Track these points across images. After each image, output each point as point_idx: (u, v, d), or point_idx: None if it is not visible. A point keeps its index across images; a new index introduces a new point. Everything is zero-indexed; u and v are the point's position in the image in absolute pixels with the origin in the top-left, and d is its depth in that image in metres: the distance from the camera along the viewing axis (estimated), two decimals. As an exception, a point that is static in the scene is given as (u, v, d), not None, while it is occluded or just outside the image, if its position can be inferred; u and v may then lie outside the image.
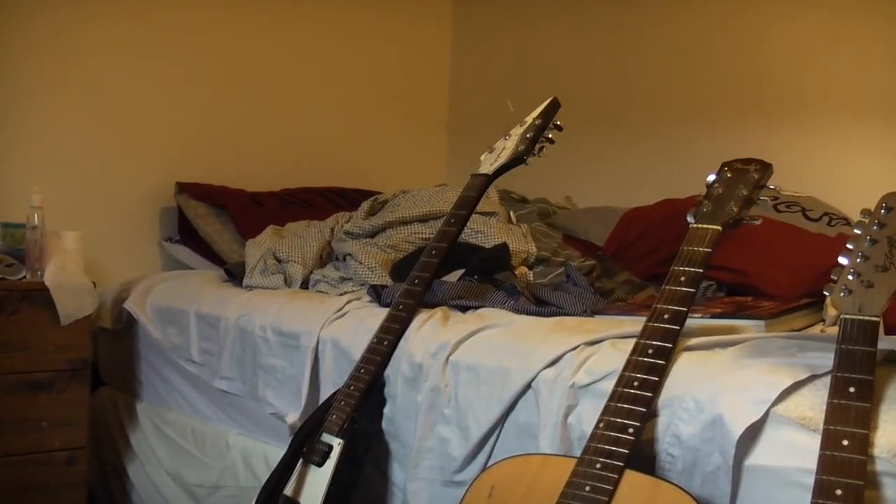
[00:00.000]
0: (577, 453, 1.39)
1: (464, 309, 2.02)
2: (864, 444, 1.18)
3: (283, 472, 1.83)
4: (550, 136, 2.04)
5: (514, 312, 1.95)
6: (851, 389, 1.23)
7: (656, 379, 1.40)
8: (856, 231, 1.40)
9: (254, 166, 3.23)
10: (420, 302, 1.91)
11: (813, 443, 1.24)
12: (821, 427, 1.22)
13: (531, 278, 2.35)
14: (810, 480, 1.18)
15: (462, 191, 2.04)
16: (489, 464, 1.68)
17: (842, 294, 1.34)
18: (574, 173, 3.31)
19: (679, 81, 3.14)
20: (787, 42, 2.88)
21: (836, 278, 1.36)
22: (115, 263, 2.91)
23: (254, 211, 2.92)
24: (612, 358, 1.58)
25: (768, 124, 2.88)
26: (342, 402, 1.80)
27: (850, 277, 1.34)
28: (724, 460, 1.36)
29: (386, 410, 1.89)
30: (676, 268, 1.52)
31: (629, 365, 1.43)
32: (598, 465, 1.33)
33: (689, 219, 1.60)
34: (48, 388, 2.36)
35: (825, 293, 1.36)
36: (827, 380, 1.29)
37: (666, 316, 1.46)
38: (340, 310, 2.15)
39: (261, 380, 2.24)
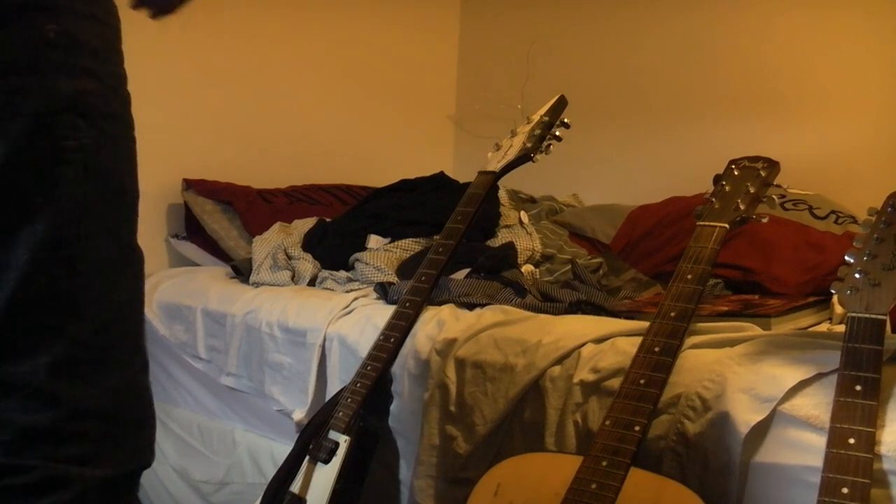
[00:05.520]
0: (584, 451, 1.39)
1: (471, 306, 2.02)
2: (870, 442, 1.18)
3: (289, 468, 1.83)
4: (558, 133, 2.04)
5: (521, 310, 1.95)
6: (858, 387, 1.23)
7: (663, 376, 1.40)
8: (862, 229, 1.40)
9: (261, 163, 3.23)
10: (427, 299, 1.91)
11: (819, 441, 1.24)
12: (827, 425, 1.22)
13: (538, 276, 2.36)
14: (816, 478, 1.18)
15: (469, 188, 2.04)
16: (495, 461, 1.68)
17: (848, 292, 1.34)
18: (581, 171, 3.31)
19: (686, 79, 3.14)
20: (796, 39, 2.88)
21: (842, 276, 1.36)
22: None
23: (261, 208, 2.92)
24: (618, 355, 1.58)
25: (776, 122, 2.88)
26: (349, 399, 1.80)
27: (856, 276, 1.34)
28: (730, 458, 1.36)
29: (392, 407, 1.89)
30: (683, 265, 1.53)
31: (636, 362, 1.43)
32: (605, 463, 1.33)
33: (696, 216, 1.60)
34: (55, 384, 2.36)
35: (832, 291, 1.36)
36: (833, 378, 1.29)
37: (673, 313, 1.46)
38: (347, 307, 2.15)
39: (267, 376, 2.24)
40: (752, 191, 1.58)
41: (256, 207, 2.92)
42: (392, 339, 1.83)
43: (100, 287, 1.01)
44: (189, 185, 2.97)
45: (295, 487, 1.79)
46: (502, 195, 2.78)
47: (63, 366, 0.98)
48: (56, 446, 0.98)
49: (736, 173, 1.63)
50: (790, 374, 1.37)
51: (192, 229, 2.99)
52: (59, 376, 0.98)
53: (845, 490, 1.14)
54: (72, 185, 0.97)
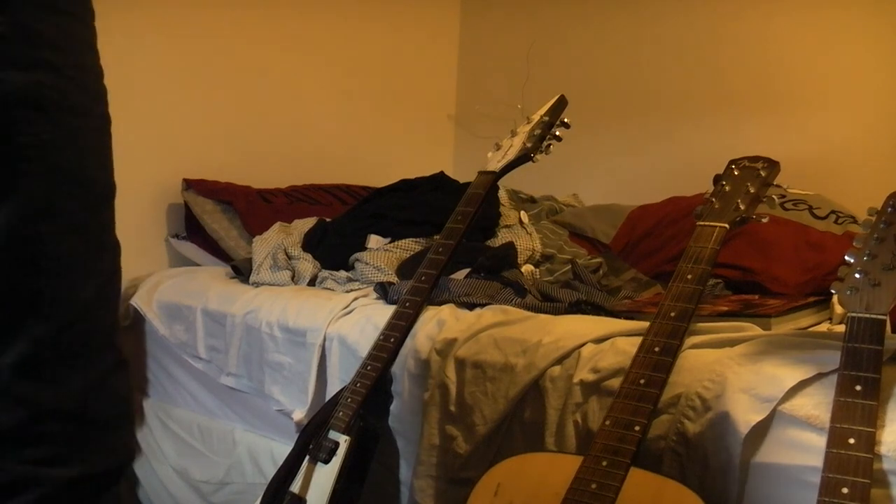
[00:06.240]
0: (584, 451, 1.39)
1: (471, 306, 2.02)
2: (870, 442, 1.18)
3: (289, 468, 1.83)
4: (558, 133, 2.04)
5: (521, 310, 1.95)
6: (858, 387, 1.23)
7: (663, 376, 1.40)
8: (862, 229, 1.40)
9: (261, 163, 3.23)
10: (427, 299, 1.91)
11: (819, 441, 1.24)
12: (827, 425, 1.22)
13: (538, 276, 2.36)
14: (816, 479, 1.18)
15: (469, 188, 2.04)
16: (495, 461, 1.68)
17: (848, 292, 1.33)
18: (581, 171, 3.31)
19: (686, 79, 3.14)
20: (797, 39, 2.88)
21: (842, 276, 1.36)
22: (121, 260, 2.91)
23: (261, 208, 2.93)
24: (618, 355, 1.58)
25: (776, 122, 2.88)
26: (349, 399, 1.80)
27: (856, 276, 1.34)
28: (730, 458, 1.36)
29: (392, 407, 1.89)
30: (683, 265, 1.53)
31: (636, 362, 1.43)
32: (605, 463, 1.33)
33: (696, 216, 1.60)
34: (55, 384, 2.36)
35: (832, 291, 1.36)
36: (833, 378, 1.29)
37: (673, 313, 1.46)
38: (347, 307, 2.15)
39: (267, 376, 2.24)
40: (752, 191, 1.58)
41: (256, 207, 2.92)
42: (392, 339, 1.83)
43: (64, 285, 0.99)
44: (189, 185, 2.97)
45: (295, 487, 1.79)
46: (502, 195, 2.78)
47: (26, 366, 0.96)
48: (21, 448, 0.96)
49: (736, 173, 1.63)
50: (790, 374, 1.37)
51: (192, 229, 2.99)
52: (22, 377, 0.96)
53: (845, 490, 1.14)
54: (30, 182, 0.95)
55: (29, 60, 0.94)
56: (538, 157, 2.02)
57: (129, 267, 2.91)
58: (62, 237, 0.98)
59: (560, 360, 1.65)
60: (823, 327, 1.87)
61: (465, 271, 2.27)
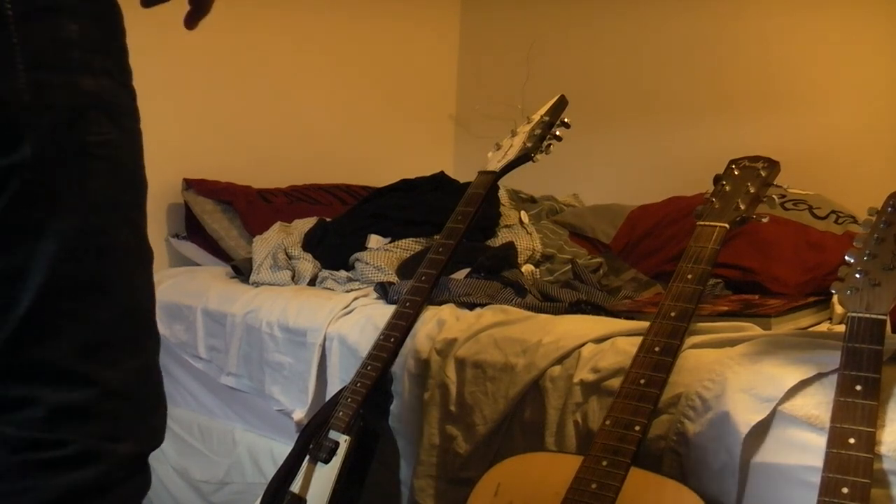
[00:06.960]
0: (584, 451, 1.39)
1: (471, 306, 2.02)
2: (870, 442, 1.18)
3: (289, 468, 1.83)
4: (558, 133, 2.04)
5: (521, 310, 1.95)
6: (858, 387, 1.23)
7: (663, 376, 1.40)
8: (862, 229, 1.40)
9: (261, 163, 3.23)
10: (427, 299, 1.91)
11: (819, 441, 1.24)
12: (827, 425, 1.22)
13: (538, 276, 2.36)
14: (817, 478, 1.18)
15: (469, 188, 2.04)
16: (495, 461, 1.68)
17: (849, 292, 1.33)
18: (581, 171, 3.31)
19: (686, 78, 3.14)
20: (797, 39, 2.88)
21: (842, 276, 1.36)
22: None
23: (261, 207, 2.92)
24: (618, 355, 1.58)
25: (776, 122, 2.88)
26: (349, 399, 1.80)
27: (857, 276, 1.34)
28: (730, 458, 1.36)
29: (392, 407, 1.89)
30: (684, 265, 1.53)
31: (636, 362, 1.43)
32: (605, 463, 1.33)
33: (697, 216, 1.60)
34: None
35: (832, 291, 1.36)
36: (834, 378, 1.29)
37: (673, 313, 1.46)
38: (347, 307, 2.15)
39: (267, 376, 2.24)
40: (752, 191, 1.58)
41: (256, 207, 2.92)
42: (392, 339, 1.83)
43: (122, 275, 1.08)
44: (189, 184, 2.97)
45: (295, 487, 1.79)
46: (502, 195, 2.78)
47: (91, 348, 1.04)
48: (88, 423, 1.04)
49: (736, 173, 1.63)
50: (790, 374, 1.37)
51: (192, 229, 2.99)
52: (88, 358, 1.04)
53: (845, 490, 1.14)
54: (100, 180, 1.03)
55: (95, 67, 1.03)
56: (538, 156, 2.02)
57: (130, 267, 2.90)
58: (122, 229, 1.08)
59: (560, 360, 1.65)
60: (823, 327, 1.87)
61: (466, 271, 2.27)
